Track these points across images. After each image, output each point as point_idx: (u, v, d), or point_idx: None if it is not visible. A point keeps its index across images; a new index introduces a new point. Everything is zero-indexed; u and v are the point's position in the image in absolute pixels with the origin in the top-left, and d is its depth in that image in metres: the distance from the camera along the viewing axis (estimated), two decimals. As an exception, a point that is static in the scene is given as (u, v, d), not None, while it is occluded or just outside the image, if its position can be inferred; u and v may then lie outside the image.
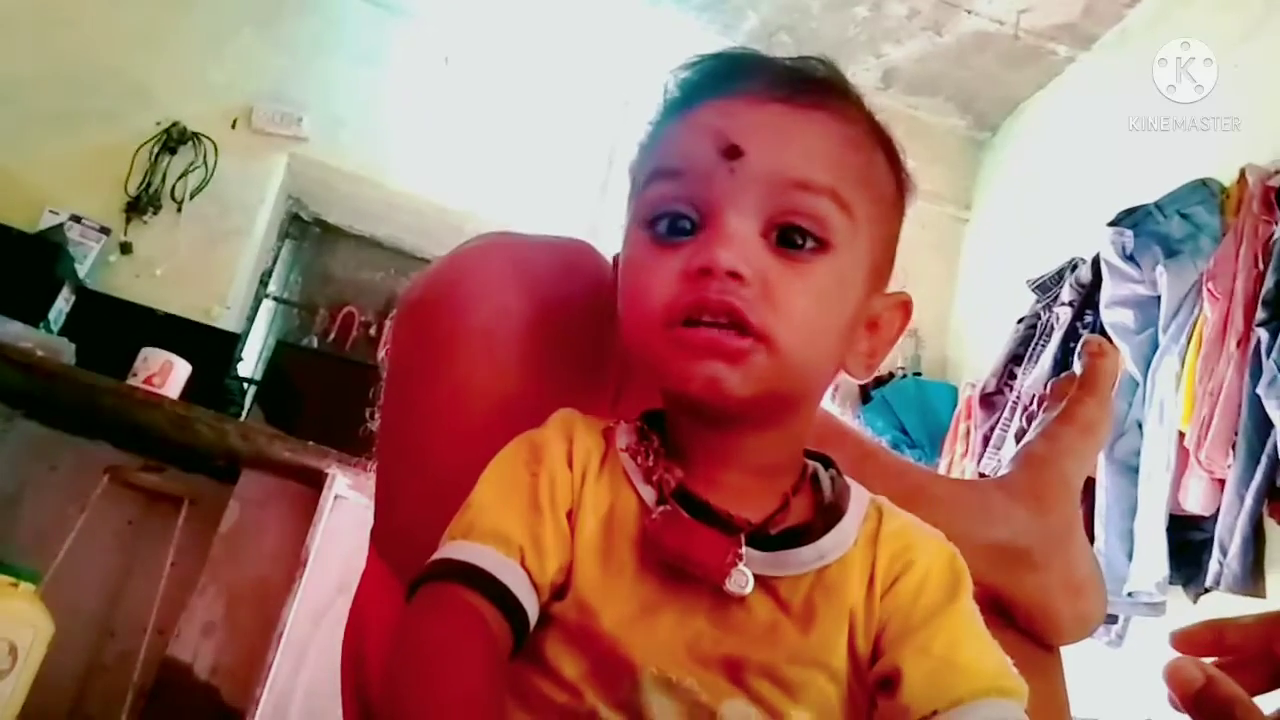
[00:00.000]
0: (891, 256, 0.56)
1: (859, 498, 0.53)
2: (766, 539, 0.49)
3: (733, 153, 0.50)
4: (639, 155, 0.56)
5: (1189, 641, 0.53)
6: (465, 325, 0.61)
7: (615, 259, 0.57)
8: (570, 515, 0.49)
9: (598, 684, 0.46)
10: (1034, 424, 0.82)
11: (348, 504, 2.52)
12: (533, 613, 0.46)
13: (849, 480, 0.54)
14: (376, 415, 0.65)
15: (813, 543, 0.50)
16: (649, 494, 0.50)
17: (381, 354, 0.65)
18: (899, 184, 0.56)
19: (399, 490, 0.63)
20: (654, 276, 0.50)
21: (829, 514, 0.51)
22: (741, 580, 0.47)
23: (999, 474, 0.79)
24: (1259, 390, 1.91)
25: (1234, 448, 1.96)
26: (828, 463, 0.55)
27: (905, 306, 0.56)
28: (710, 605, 0.48)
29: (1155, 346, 2.27)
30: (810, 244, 0.50)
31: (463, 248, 0.64)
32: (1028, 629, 0.74)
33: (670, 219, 0.51)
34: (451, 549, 0.47)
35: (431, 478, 0.59)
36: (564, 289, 0.56)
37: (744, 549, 0.48)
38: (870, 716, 0.49)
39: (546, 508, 0.48)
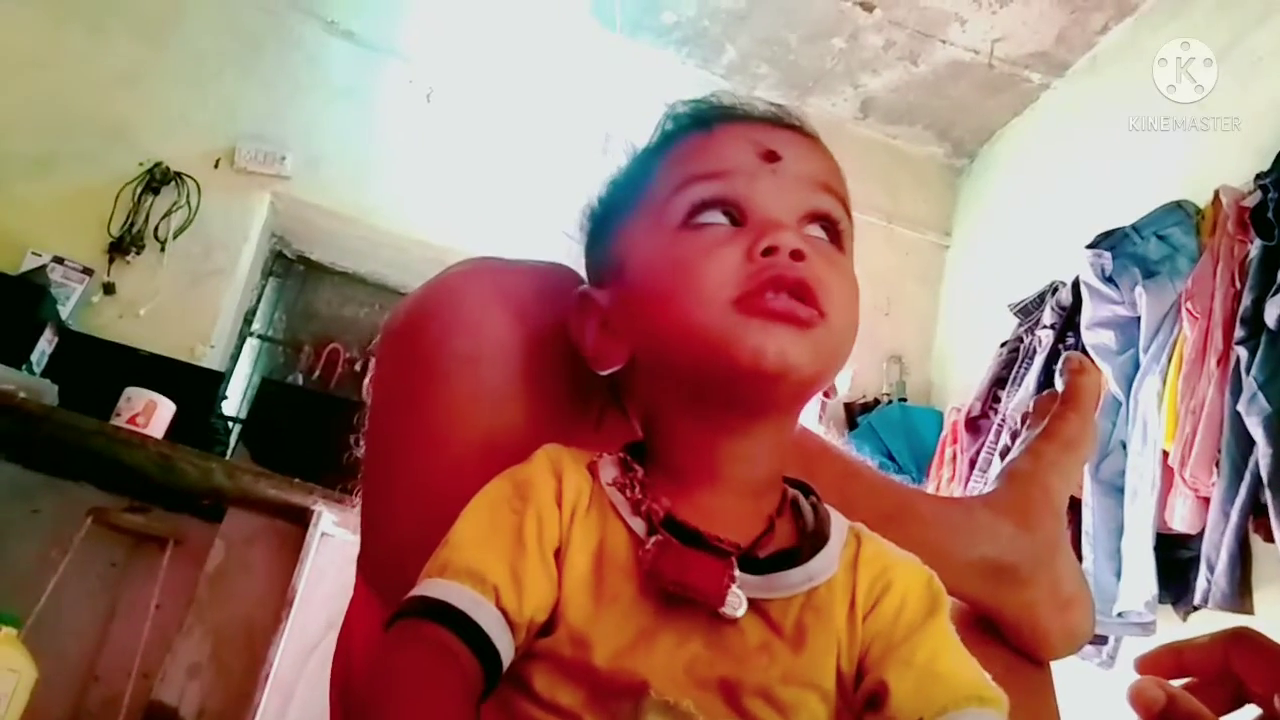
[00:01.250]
0: None
1: (839, 524, 0.54)
2: (756, 562, 0.50)
3: (772, 157, 0.55)
4: (647, 173, 0.58)
5: (1152, 665, 0.54)
6: (449, 350, 0.61)
7: (582, 294, 0.59)
8: (558, 554, 0.49)
9: (596, 711, 0.47)
10: (1018, 441, 0.83)
11: (334, 541, 2.50)
12: (506, 653, 0.46)
13: (828, 507, 0.55)
14: (361, 442, 0.65)
15: (801, 565, 0.50)
16: (639, 525, 0.50)
17: (366, 382, 0.66)
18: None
19: (383, 515, 0.63)
20: (714, 260, 0.52)
21: (815, 538, 0.52)
22: (736, 602, 0.48)
23: (984, 491, 0.79)
24: (1240, 407, 1.93)
25: (1218, 465, 1.98)
26: (807, 490, 0.56)
27: None
28: (705, 629, 0.48)
29: (1137, 367, 2.29)
30: (823, 235, 0.56)
31: (445, 273, 0.65)
32: (1016, 645, 0.74)
33: (715, 213, 0.54)
34: (426, 586, 0.47)
35: (415, 502, 0.59)
36: (548, 312, 0.56)
37: (736, 571, 0.49)
38: None
39: (532, 545, 0.49)
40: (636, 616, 0.48)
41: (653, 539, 0.49)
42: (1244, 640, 0.53)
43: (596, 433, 0.56)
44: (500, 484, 0.52)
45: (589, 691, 0.47)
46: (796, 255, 0.52)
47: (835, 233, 0.56)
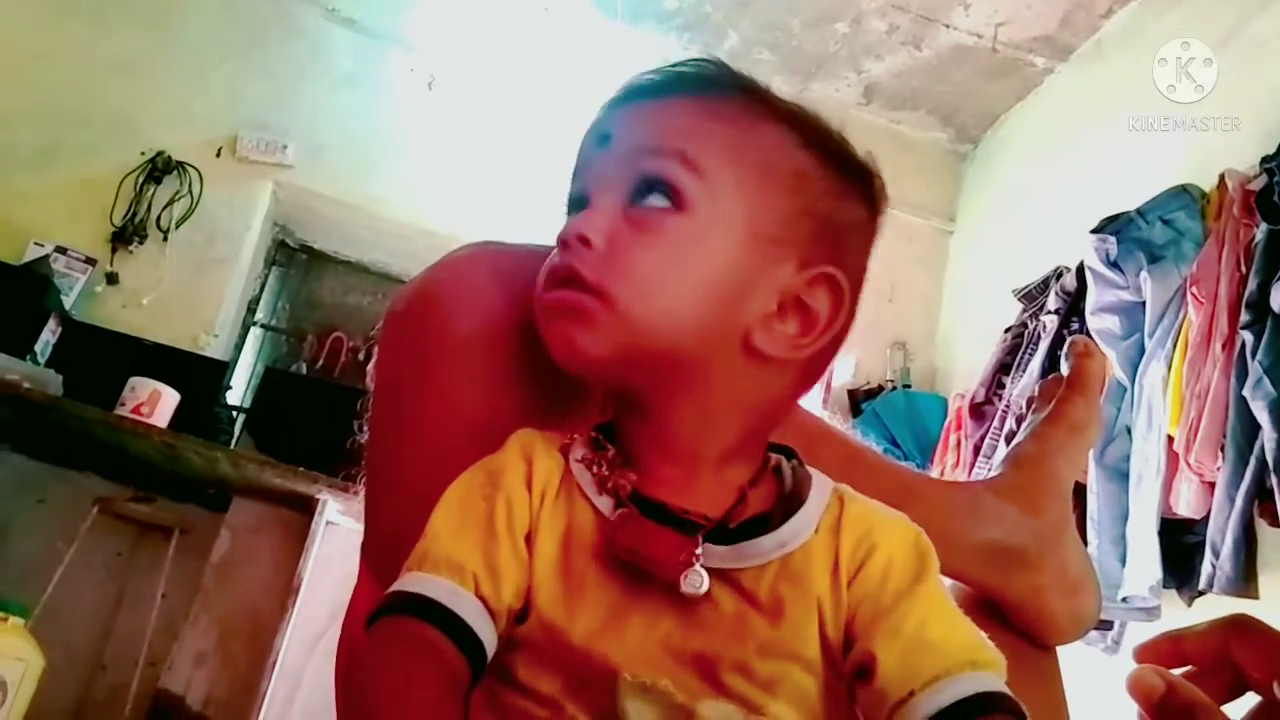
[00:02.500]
0: (791, 229, 0.54)
1: (821, 486, 0.52)
2: (725, 533, 0.49)
3: (602, 141, 0.55)
4: None
5: (1150, 654, 0.53)
6: (448, 335, 0.61)
7: None
8: (529, 538, 0.49)
9: (576, 696, 0.46)
10: (1024, 425, 0.82)
11: (339, 530, 2.51)
12: (489, 641, 0.46)
13: (811, 470, 0.54)
14: (365, 428, 0.65)
15: (772, 531, 0.49)
16: (605, 504, 0.49)
17: (370, 367, 0.65)
18: (813, 163, 0.55)
19: (382, 502, 0.63)
20: (548, 260, 0.54)
21: (788, 502, 0.51)
22: (696, 581, 0.47)
23: (989, 475, 0.79)
24: (1245, 392, 1.92)
25: (1223, 450, 1.97)
26: (790, 454, 0.54)
27: (828, 280, 0.54)
28: (676, 605, 0.47)
29: (1141, 352, 2.28)
30: (661, 203, 0.52)
31: (448, 256, 0.65)
32: (1023, 629, 0.74)
33: (569, 213, 0.56)
34: (406, 581, 0.47)
35: (413, 489, 0.58)
36: None
37: (702, 546, 0.48)
38: (851, 707, 0.48)
39: (503, 532, 0.48)
40: (605, 597, 0.47)
41: (617, 512, 0.49)
42: (1243, 627, 0.52)
43: (600, 415, 0.56)
44: (473, 473, 0.51)
45: (566, 677, 0.46)
46: (582, 240, 0.52)
47: (666, 193, 0.52)
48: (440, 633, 0.45)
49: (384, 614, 0.46)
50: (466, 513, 0.49)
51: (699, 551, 0.48)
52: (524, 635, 0.47)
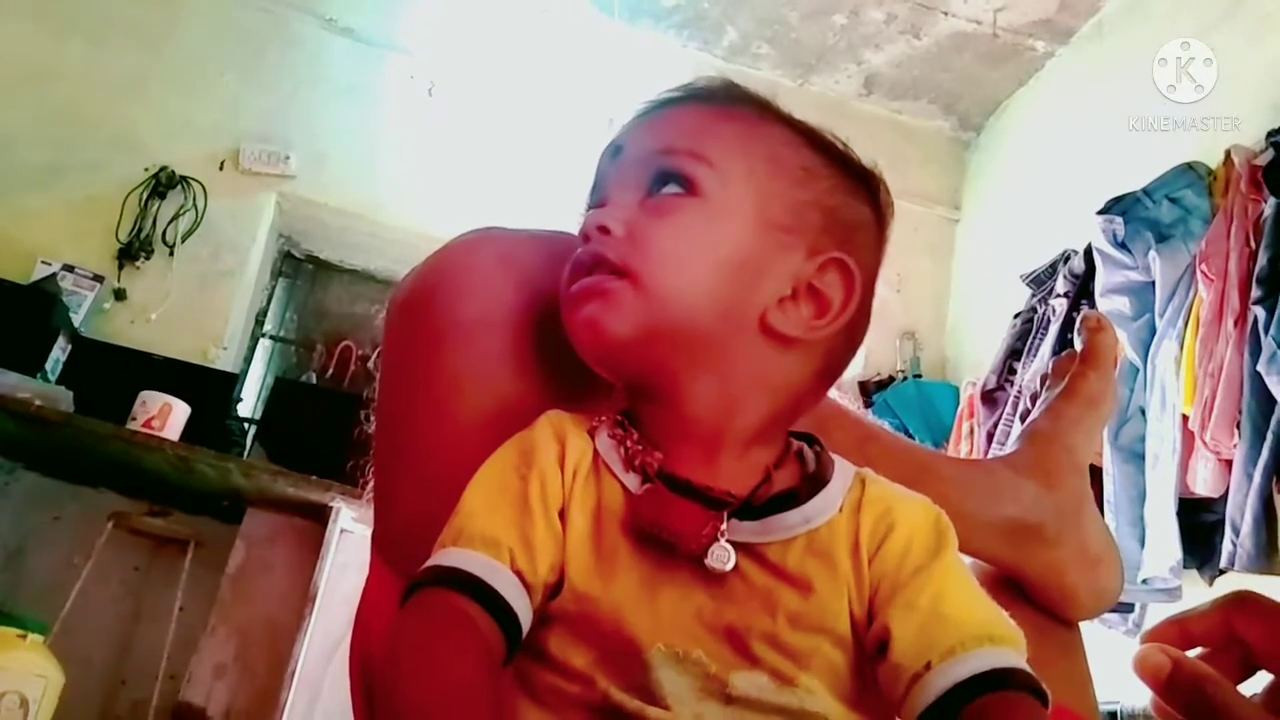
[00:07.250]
0: (799, 219, 0.55)
1: (844, 469, 0.53)
2: (752, 509, 0.50)
3: (616, 151, 0.58)
4: None
5: (1156, 639, 0.53)
6: (454, 318, 0.61)
7: None
8: (562, 514, 0.49)
9: (608, 669, 0.46)
10: (1038, 403, 0.82)
11: (354, 537, 2.51)
12: (524, 615, 0.46)
13: (834, 455, 0.54)
14: (372, 419, 0.65)
15: (797, 507, 0.50)
16: (632, 481, 0.50)
17: (375, 356, 0.65)
18: (819, 161, 0.57)
19: (395, 489, 0.63)
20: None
21: (813, 481, 0.52)
22: (723, 556, 0.47)
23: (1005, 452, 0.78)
24: (1259, 368, 1.91)
25: (1238, 427, 1.96)
26: (812, 440, 0.55)
27: (839, 265, 0.55)
28: (706, 578, 0.48)
29: (1153, 332, 2.27)
30: (676, 190, 0.54)
31: (450, 243, 0.65)
32: (1045, 605, 0.73)
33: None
34: (441, 556, 0.47)
35: (427, 474, 0.59)
36: (552, 279, 0.56)
37: (727, 522, 0.48)
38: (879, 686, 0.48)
39: (537, 508, 0.49)
40: (636, 570, 0.48)
41: (644, 487, 0.49)
42: (1245, 604, 0.52)
43: (610, 399, 0.56)
44: (506, 451, 0.52)
45: (598, 650, 0.47)
46: (602, 230, 0.54)
47: (679, 182, 0.54)
48: (476, 605, 0.45)
49: (419, 587, 0.46)
50: (501, 490, 0.50)
51: (724, 527, 0.48)
52: (557, 609, 0.48)
